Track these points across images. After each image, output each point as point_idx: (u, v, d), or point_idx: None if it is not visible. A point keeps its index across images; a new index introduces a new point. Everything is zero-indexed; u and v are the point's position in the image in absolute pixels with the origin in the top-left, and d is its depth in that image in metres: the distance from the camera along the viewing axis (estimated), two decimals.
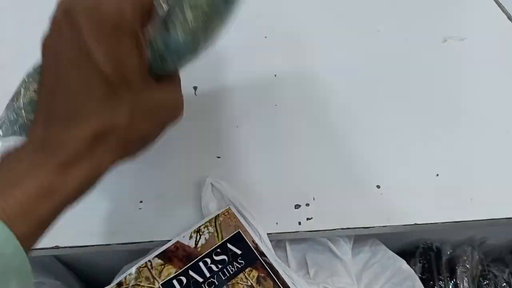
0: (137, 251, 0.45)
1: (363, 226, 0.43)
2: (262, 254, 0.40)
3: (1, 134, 0.30)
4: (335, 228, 0.43)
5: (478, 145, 0.50)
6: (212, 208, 0.44)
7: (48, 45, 0.24)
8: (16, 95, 0.30)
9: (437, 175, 0.47)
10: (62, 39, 0.23)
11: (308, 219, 0.44)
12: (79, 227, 0.45)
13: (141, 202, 0.47)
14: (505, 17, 0.67)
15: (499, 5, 0.69)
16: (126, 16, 0.23)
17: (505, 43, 0.64)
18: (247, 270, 0.39)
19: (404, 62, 0.60)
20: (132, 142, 0.26)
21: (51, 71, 0.24)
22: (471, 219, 0.44)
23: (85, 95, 0.23)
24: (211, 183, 0.46)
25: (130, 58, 0.23)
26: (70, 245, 0.42)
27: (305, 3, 0.68)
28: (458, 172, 0.47)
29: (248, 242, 0.41)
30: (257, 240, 0.41)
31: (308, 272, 0.42)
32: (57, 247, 0.42)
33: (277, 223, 0.44)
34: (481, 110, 0.54)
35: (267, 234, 0.43)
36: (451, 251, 0.53)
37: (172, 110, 0.28)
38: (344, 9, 0.67)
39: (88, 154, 0.24)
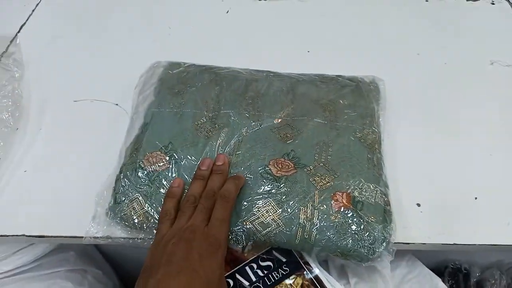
0: None
1: (404, 242, 0.44)
2: (306, 263, 0.41)
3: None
4: None
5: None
6: None
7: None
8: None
9: (476, 198, 0.48)
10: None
11: None
12: None
13: None
14: None
15: None
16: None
17: None
18: (291, 277, 0.41)
19: (449, 84, 0.62)
20: None
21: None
22: (508, 243, 0.45)
23: None
24: None
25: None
26: (123, 236, 0.43)
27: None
28: (496, 196, 0.49)
29: (294, 251, 0.42)
30: None
31: (348, 282, 0.43)
32: (108, 237, 0.43)
33: None
34: None
35: None
36: (479, 273, 0.54)
37: None
38: None
39: None
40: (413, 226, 0.46)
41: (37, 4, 0.74)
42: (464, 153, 0.53)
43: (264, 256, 0.42)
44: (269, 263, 0.42)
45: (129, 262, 0.66)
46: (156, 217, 0.41)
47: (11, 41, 0.65)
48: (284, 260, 0.42)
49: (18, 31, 0.68)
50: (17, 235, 0.44)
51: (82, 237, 0.43)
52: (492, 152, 0.53)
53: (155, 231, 0.40)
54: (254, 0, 0.77)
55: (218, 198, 0.40)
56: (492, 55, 0.67)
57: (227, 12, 0.74)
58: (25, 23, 0.70)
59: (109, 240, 0.44)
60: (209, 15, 0.73)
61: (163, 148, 0.46)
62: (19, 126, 0.53)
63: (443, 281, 0.53)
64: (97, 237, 0.43)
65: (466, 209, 0.47)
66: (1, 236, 0.44)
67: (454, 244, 0.45)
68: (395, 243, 0.44)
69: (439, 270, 0.54)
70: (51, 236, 0.44)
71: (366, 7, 0.76)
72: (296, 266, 0.41)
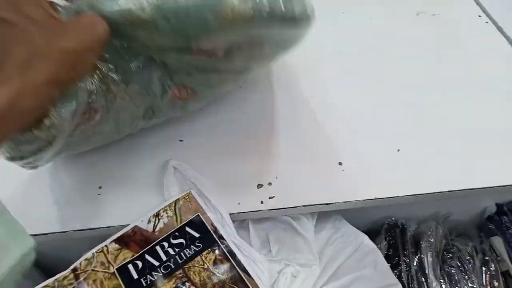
0: (98, 238, 0.43)
1: (324, 203, 0.43)
2: (220, 237, 0.40)
3: None
4: (296, 205, 0.43)
5: (437, 117, 0.51)
6: (174, 191, 0.43)
7: None
8: None
9: (398, 150, 0.47)
10: None
11: (270, 197, 0.44)
12: (34, 214, 0.43)
13: (100, 187, 0.45)
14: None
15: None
16: None
17: None
18: (204, 253, 0.39)
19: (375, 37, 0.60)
20: (58, 60, 0.28)
21: None
22: (430, 192, 0.44)
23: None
24: (173, 166, 0.45)
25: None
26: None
27: None
28: (419, 147, 0.48)
29: (207, 225, 0.40)
30: (215, 223, 0.40)
31: (270, 251, 0.41)
32: None
33: (239, 203, 0.43)
34: (441, 79, 0.55)
35: (230, 214, 0.42)
36: (415, 226, 0.53)
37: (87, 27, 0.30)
38: None
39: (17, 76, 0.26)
40: (335, 186, 0.44)
41: None
42: (387, 104, 0.52)
43: (177, 234, 0.40)
44: (182, 240, 0.39)
45: (54, 258, 0.63)
46: None
47: None
48: (197, 235, 0.40)
49: None
50: None
51: None
52: (413, 102, 0.52)
53: None
54: None
55: None
56: (418, 6, 0.65)
57: None
58: None
59: None
60: None
61: None
62: None
63: (380, 239, 0.52)
64: None
65: (389, 162, 0.46)
66: None
67: (376, 198, 0.44)
68: (316, 204, 0.43)
69: (376, 229, 0.53)
70: None
71: None
72: (209, 241, 0.39)
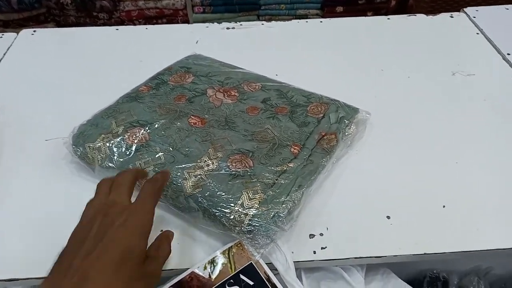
0: None
1: (375, 256, 0.45)
2: (274, 285, 0.42)
3: None
4: (348, 257, 0.45)
5: (481, 175, 0.53)
6: None
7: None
8: None
9: (444, 206, 0.49)
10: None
11: (322, 248, 0.46)
12: None
13: (161, 231, 0.48)
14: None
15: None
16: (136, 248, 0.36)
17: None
18: None
19: (412, 97, 0.64)
20: None
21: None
22: (477, 249, 0.46)
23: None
24: None
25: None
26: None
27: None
28: (464, 203, 0.50)
29: (260, 273, 0.43)
30: (268, 272, 0.42)
31: None
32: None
33: (293, 252, 0.45)
34: (485, 141, 0.57)
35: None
36: (457, 280, 0.54)
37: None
38: None
39: None
40: (384, 239, 0.46)
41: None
42: (430, 162, 0.54)
43: (232, 281, 0.42)
44: (237, 287, 0.42)
45: None
46: None
47: None
48: (251, 283, 0.42)
49: None
50: None
51: None
52: (458, 160, 0.54)
53: None
54: (222, 28, 0.79)
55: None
56: (453, 66, 0.69)
57: (197, 42, 0.76)
58: None
59: None
60: (178, 45, 0.75)
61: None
62: None
63: None
64: None
65: (435, 217, 0.48)
66: None
67: (425, 253, 0.45)
68: (367, 257, 0.45)
69: (418, 281, 0.54)
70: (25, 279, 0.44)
71: (331, 31, 0.79)
72: None
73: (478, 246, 0.46)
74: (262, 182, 0.46)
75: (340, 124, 0.53)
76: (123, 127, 0.52)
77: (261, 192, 0.45)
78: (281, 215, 0.43)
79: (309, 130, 0.52)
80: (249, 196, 0.45)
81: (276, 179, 0.46)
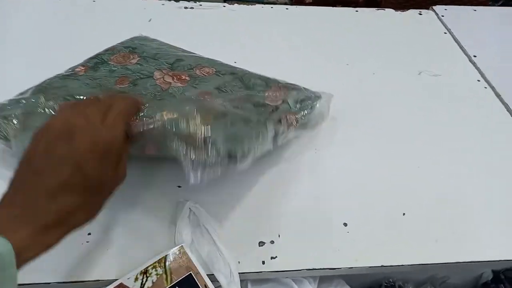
0: None
1: (329, 267, 0.41)
2: None
3: None
4: (300, 269, 0.41)
5: (442, 182, 0.50)
6: (186, 235, 0.41)
7: (41, 139, 0.32)
8: None
9: (404, 214, 0.46)
10: (58, 143, 0.31)
11: (272, 258, 0.41)
12: None
13: (89, 234, 0.42)
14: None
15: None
16: (116, 144, 0.33)
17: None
18: None
19: (372, 94, 0.60)
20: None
21: (40, 159, 0.31)
22: (436, 262, 0.43)
23: (66, 190, 0.31)
24: (189, 208, 0.43)
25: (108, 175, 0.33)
26: None
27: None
28: (424, 211, 0.47)
29: (200, 286, 0.38)
30: (209, 285, 0.37)
31: None
32: None
33: (239, 262, 0.41)
34: (448, 146, 0.55)
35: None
36: None
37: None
38: None
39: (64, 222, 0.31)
40: (340, 248, 0.43)
41: None
42: (392, 165, 0.51)
43: None
44: None
45: None
46: None
47: None
48: None
49: None
50: None
51: None
52: (420, 165, 0.52)
53: None
54: (179, 7, 0.72)
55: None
56: (419, 65, 0.66)
57: (149, 21, 0.69)
58: None
59: None
60: (129, 23, 0.68)
61: None
62: None
63: None
64: None
65: (395, 226, 0.45)
66: None
67: (382, 266, 0.42)
68: (320, 269, 0.41)
69: None
70: None
71: (297, 19, 0.74)
72: None
73: (436, 259, 0.43)
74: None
75: (302, 105, 0.49)
76: (54, 101, 0.44)
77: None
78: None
79: (267, 111, 0.47)
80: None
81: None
